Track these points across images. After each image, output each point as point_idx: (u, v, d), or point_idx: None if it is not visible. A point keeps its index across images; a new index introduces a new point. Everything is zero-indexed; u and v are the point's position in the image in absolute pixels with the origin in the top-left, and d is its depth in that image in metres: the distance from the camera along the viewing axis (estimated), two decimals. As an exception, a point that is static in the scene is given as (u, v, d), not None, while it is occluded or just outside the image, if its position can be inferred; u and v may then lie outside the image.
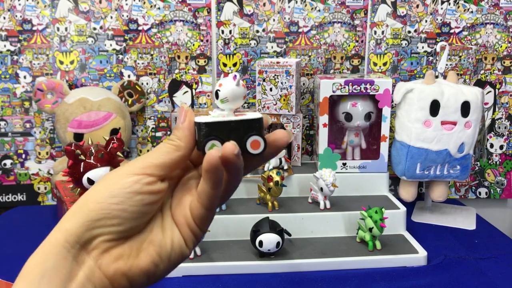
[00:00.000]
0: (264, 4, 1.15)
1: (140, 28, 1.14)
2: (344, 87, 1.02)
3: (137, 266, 0.35)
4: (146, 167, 0.35)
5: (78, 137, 1.04)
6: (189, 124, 0.36)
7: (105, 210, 0.33)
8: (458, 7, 1.17)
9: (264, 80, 1.05)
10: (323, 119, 1.04)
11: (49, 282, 0.31)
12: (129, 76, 1.16)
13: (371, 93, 1.02)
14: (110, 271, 0.34)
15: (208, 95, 1.18)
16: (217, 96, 0.38)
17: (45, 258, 0.32)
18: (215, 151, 0.34)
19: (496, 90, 1.21)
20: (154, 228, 0.36)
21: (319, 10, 1.16)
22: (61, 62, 1.14)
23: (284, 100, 1.05)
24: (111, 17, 1.13)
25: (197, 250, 0.86)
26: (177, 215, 0.38)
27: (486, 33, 1.19)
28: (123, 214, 0.33)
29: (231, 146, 0.34)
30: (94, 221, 0.33)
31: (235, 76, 0.38)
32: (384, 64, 1.19)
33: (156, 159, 0.35)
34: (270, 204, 0.95)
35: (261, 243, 0.83)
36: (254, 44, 1.16)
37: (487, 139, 1.23)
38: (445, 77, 1.08)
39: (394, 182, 1.22)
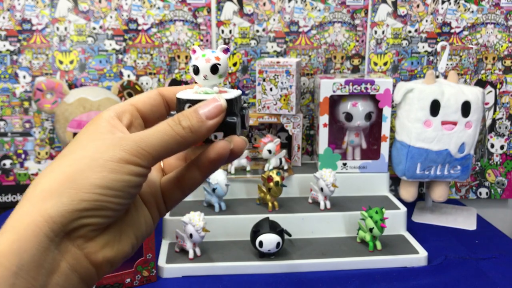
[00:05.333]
0: (264, 4, 1.14)
1: (139, 27, 1.13)
2: (345, 87, 1.02)
3: (122, 251, 0.32)
4: (142, 155, 0.31)
5: (78, 137, 1.03)
6: (214, 124, 0.33)
7: (100, 202, 0.29)
8: (459, 6, 1.17)
9: (264, 80, 1.04)
10: (323, 119, 1.04)
11: (28, 276, 0.27)
12: (128, 76, 1.15)
13: (371, 93, 1.02)
14: (98, 259, 0.31)
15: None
16: (215, 70, 0.35)
17: (22, 248, 0.27)
18: (225, 143, 0.33)
19: (497, 90, 1.21)
20: (129, 209, 0.34)
21: (319, 10, 1.16)
22: (61, 62, 1.13)
23: (284, 100, 1.05)
24: (111, 17, 1.12)
25: (197, 250, 0.86)
26: (146, 195, 0.35)
27: (487, 32, 1.18)
28: (117, 207, 0.30)
29: (243, 142, 0.34)
30: (85, 210, 0.29)
31: (228, 49, 0.36)
32: (385, 64, 1.19)
33: (156, 148, 0.31)
34: (270, 204, 0.95)
35: (261, 243, 0.83)
36: (254, 43, 1.16)
37: (488, 139, 1.23)
38: (445, 77, 1.08)
39: (395, 182, 1.22)
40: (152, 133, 0.31)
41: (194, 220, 0.82)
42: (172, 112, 0.36)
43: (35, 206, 0.29)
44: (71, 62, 1.14)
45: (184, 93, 0.35)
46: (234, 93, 0.35)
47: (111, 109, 0.34)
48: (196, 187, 0.36)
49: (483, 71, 1.20)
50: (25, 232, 0.27)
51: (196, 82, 0.36)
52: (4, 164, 1.16)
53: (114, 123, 0.33)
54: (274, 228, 0.84)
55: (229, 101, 0.34)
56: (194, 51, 0.36)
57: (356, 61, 1.19)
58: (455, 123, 1.00)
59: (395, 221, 0.95)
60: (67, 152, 0.32)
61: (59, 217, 0.28)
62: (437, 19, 1.18)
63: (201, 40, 1.15)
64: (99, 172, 0.29)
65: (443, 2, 1.17)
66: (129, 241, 0.33)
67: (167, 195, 0.36)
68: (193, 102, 0.34)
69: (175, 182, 0.36)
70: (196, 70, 0.35)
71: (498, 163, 1.24)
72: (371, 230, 0.87)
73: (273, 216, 0.89)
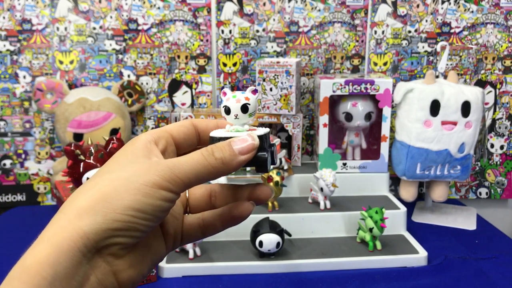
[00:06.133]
0: (264, 4, 1.14)
1: (140, 28, 1.13)
2: (344, 87, 1.02)
3: (142, 272, 0.34)
4: (174, 181, 0.32)
5: (78, 137, 1.04)
6: (246, 159, 0.35)
7: (130, 223, 0.31)
8: (459, 6, 1.17)
9: (264, 80, 1.04)
10: (323, 119, 1.04)
11: (60, 287, 0.29)
12: (128, 76, 1.15)
13: (371, 93, 1.02)
14: (124, 278, 0.33)
15: (208, 95, 1.18)
16: (245, 110, 0.37)
17: (58, 260, 0.29)
18: (250, 206, 0.37)
19: (497, 90, 1.21)
20: (149, 235, 0.36)
21: (319, 10, 1.16)
22: (61, 62, 1.13)
23: (284, 100, 1.05)
24: (111, 17, 1.12)
25: (197, 250, 0.86)
26: (168, 226, 0.38)
27: (487, 32, 1.18)
28: (145, 228, 0.32)
29: (269, 193, 0.38)
30: (116, 230, 0.31)
31: (256, 90, 0.38)
32: (385, 64, 1.19)
33: (188, 176, 0.33)
34: (270, 204, 0.95)
35: (261, 243, 0.83)
36: (254, 43, 1.16)
37: (488, 139, 1.23)
38: (445, 77, 1.08)
39: (395, 182, 1.22)
40: (185, 161, 0.33)
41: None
42: None
43: (71, 221, 0.30)
44: (71, 62, 1.14)
45: (217, 132, 0.38)
46: (263, 130, 0.37)
47: (149, 134, 0.36)
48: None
49: (483, 71, 1.20)
50: (60, 246, 0.29)
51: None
52: (4, 164, 1.16)
53: (151, 147, 0.35)
54: (274, 228, 0.84)
55: (259, 138, 0.36)
56: (224, 93, 0.38)
57: (356, 61, 1.19)
58: (455, 123, 1.00)
59: (395, 221, 0.95)
60: (105, 171, 0.33)
61: (93, 234, 0.30)
62: (437, 19, 1.18)
63: (201, 40, 1.15)
64: (133, 194, 0.31)
65: (443, 2, 1.17)
66: (147, 264, 0.35)
67: (188, 231, 0.39)
68: (226, 140, 0.36)
69: (199, 224, 0.39)
70: (228, 110, 0.37)
71: (498, 163, 1.24)
72: (371, 230, 0.87)
73: (273, 216, 0.89)
